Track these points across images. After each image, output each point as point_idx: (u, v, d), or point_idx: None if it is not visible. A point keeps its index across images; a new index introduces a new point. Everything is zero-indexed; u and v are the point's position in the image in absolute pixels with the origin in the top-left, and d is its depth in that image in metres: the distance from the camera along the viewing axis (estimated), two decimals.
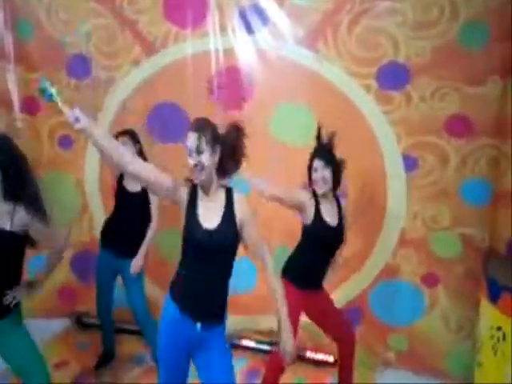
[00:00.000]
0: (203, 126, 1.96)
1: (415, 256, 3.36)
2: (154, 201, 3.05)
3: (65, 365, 3.40)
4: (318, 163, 2.63)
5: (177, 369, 2.13)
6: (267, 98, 3.43)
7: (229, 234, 1.99)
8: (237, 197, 2.04)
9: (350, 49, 3.22)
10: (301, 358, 3.50)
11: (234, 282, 3.71)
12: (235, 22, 3.40)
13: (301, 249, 2.77)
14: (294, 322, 2.76)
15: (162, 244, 3.46)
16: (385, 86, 3.21)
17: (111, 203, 3.22)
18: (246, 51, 3.43)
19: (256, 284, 3.65)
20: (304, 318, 2.84)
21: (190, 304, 2.02)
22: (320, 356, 3.56)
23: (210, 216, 1.99)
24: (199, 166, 1.93)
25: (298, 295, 2.66)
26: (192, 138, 1.93)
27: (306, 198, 2.66)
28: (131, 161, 1.89)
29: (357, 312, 3.53)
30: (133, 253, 3.05)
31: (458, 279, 3.30)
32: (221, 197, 2.04)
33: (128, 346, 3.67)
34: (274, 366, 2.75)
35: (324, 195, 2.67)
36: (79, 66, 3.76)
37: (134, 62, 3.66)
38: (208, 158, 1.94)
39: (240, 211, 2.01)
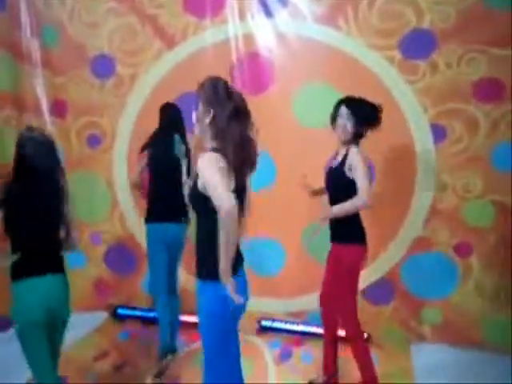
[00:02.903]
0: None
1: (447, 226, 3.05)
2: None
3: (105, 356, 3.14)
4: (343, 110, 2.37)
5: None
6: (289, 81, 3.17)
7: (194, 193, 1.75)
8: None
9: (372, 22, 2.96)
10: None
11: (263, 265, 3.25)
12: (254, 6, 3.14)
13: None
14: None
15: None
16: (409, 55, 2.94)
17: (140, 198, 3.00)
18: (266, 35, 3.17)
19: (285, 266, 3.37)
20: None
21: None
22: None
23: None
24: None
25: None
26: None
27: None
28: None
29: (389, 287, 3.21)
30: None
31: (491, 247, 2.99)
32: None
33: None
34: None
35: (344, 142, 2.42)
36: (103, 66, 3.53)
37: (156, 56, 3.42)
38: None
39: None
